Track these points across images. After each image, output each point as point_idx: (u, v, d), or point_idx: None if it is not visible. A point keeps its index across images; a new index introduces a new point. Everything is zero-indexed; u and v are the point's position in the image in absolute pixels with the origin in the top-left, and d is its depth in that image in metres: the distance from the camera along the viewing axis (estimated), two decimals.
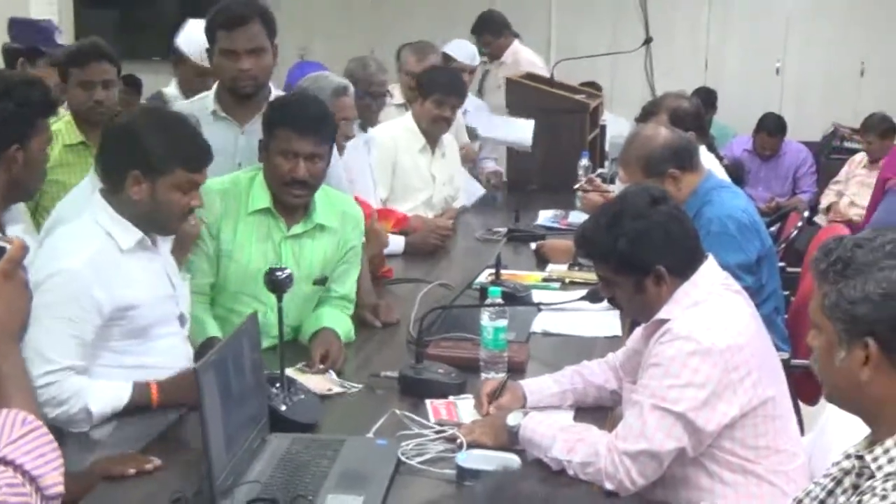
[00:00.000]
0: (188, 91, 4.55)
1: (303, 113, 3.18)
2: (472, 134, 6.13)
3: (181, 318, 2.86)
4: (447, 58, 6.11)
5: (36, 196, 2.90)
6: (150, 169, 2.68)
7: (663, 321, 2.61)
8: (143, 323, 2.71)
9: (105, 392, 2.67)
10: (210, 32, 3.57)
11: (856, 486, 1.82)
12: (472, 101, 6.48)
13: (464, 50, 6.31)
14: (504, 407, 2.77)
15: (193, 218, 2.86)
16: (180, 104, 3.99)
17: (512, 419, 2.62)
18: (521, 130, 5.85)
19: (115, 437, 2.69)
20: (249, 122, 3.57)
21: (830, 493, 1.91)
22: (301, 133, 3.13)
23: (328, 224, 3.31)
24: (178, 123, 2.83)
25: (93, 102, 4.02)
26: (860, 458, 1.83)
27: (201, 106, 3.67)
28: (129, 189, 2.69)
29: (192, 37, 4.59)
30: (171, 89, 4.77)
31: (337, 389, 2.97)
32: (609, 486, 2.46)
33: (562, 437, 2.53)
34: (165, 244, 2.86)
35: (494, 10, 7.42)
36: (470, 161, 5.89)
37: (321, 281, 3.32)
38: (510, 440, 2.60)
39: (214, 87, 3.69)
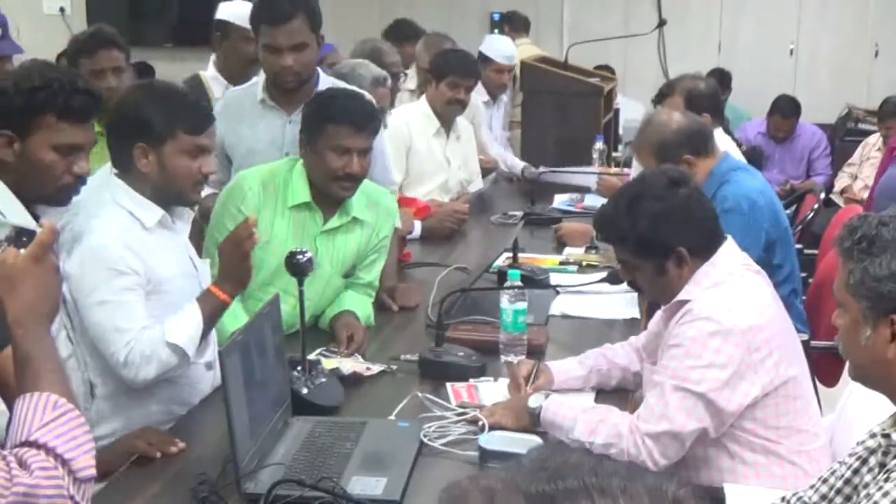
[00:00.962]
0: (232, 70, 4.55)
1: (355, 109, 3.19)
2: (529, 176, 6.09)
3: None
4: (484, 58, 5.99)
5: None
6: (153, 138, 2.69)
7: (683, 302, 2.61)
8: (171, 299, 2.72)
9: (177, 323, 2.67)
10: (254, 25, 3.59)
11: (882, 465, 1.82)
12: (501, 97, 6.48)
13: (500, 49, 6.19)
14: (542, 389, 2.78)
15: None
16: (231, 91, 3.99)
17: (533, 401, 2.63)
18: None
19: (142, 418, 2.71)
20: (296, 111, 3.56)
21: (856, 471, 1.92)
22: (357, 129, 3.14)
23: (363, 217, 3.31)
24: (171, 90, 2.84)
25: (105, 90, 3.97)
26: (887, 436, 1.83)
27: (250, 93, 3.70)
28: (138, 163, 2.69)
29: (236, 8, 4.64)
30: (210, 72, 4.80)
31: (376, 369, 2.99)
32: None
33: (583, 419, 2.54)
34: (184, 227, 2.87)
35: (407, 18, 7.25)
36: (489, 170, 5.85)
37: (349, 272, 3.35)
38: (531, 422, 2.61)
39: (262, 75, 3.70)
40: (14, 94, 2.38)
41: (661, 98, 4.65)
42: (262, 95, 3.65)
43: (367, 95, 3.57)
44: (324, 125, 3.16)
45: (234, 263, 2.72)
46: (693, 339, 2.52)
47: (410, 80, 5.97)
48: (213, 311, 2.72)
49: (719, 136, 4.62)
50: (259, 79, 3.74)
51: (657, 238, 2.62)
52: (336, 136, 3.13)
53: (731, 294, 2.59)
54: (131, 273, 2.64)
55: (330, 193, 3.21)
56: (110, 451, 2.49)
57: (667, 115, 3.84)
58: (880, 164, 5.42)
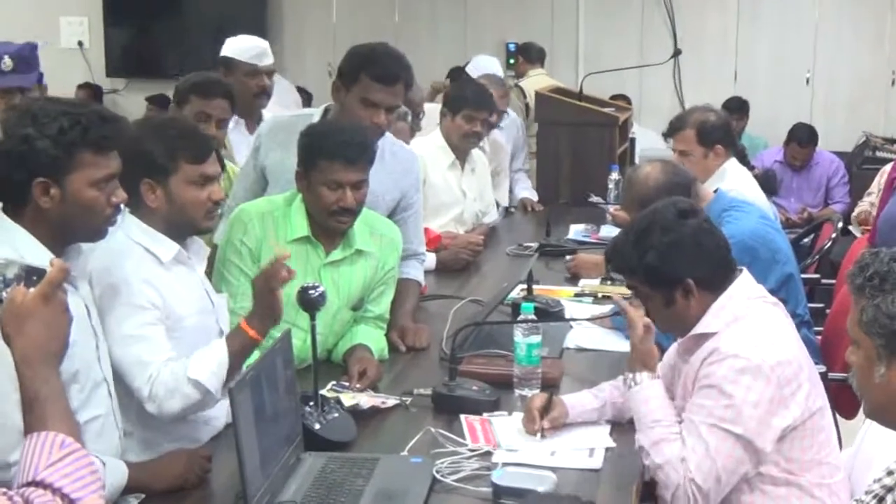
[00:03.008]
0: (240, 105, 4.56)
1: (346, 143, 3.16)
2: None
3: (221, 335, 2.86)
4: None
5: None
6: (157, 172, 2.69)
7: (704, 336, 2.63)
8: (190, 337, 2.70)
9: (201, 359, 2.64)
10: (352, 73, 3.53)
11: None
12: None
13: (483, 66, 6.28)
14: (557, 421, 2.78)
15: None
16: (282, 118, 3.94)
17: (648, 375, 2.73)
18: None
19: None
20: None
21: None
22: (348, 163, 3.13)
23: (367, 249, 3.30)
24: (170, 124, 2.85)
25: None
26: None
27: (304, 122, 3.53)
28: (147, 199, 2.70)
29: (240, 44, 4.79)
30: None
31: (391, 402, 2.97)
32: (667, 494, 2.51)
33: (652, 433, 2.58)
34: (199, 263, 2.86)
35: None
36: None
37: (358, 305, 3.34)
38: (650, 366, 2.74)
39: (322, 108, 3.70)
40: (40, 139, 2.26)
41: (672, 132, 4.63)
42: None
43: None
44: (316, 161, 3.15)
45: (264, 300, 2.70)
46: (724, 377, 2.53)
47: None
48: (241, 348, 2.67)
49: (733, 165, 4.61)
50: (316, 111, 3.72)
51: (665, 269, 2.65)
52: (328, 170, 3.13)
53: (755, 329, 2.60)
54: (152, 308, 2.64)
55: (328, 227, 3.22)
56: (149, 468, 2.49)
57: (645, 172, 3.82)
58: (882, 195, 5.38)
